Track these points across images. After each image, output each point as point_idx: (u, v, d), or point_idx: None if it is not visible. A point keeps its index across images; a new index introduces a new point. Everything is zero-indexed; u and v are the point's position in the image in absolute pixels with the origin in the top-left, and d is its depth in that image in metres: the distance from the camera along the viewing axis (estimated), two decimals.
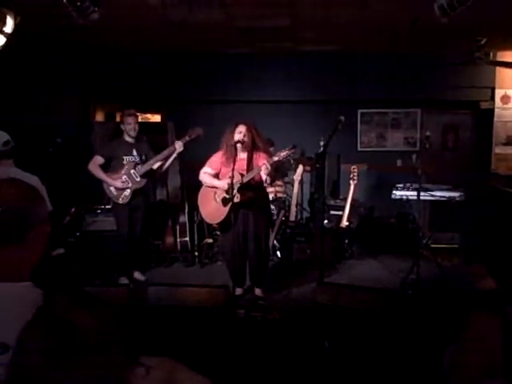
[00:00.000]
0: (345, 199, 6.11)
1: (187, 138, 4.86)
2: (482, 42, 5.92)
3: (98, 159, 4.95)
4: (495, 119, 7.13)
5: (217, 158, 4.55)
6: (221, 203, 4.45)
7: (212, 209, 4.56)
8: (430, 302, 4.12)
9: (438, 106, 7.62)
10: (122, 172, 4.93)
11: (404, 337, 2.80)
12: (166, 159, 4.99)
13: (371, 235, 6.39)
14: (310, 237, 5.82)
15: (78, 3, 3.74)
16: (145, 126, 6.09)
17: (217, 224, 4.84)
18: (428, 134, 5.48)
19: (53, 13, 4.56)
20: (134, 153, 5.00)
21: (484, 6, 4.12)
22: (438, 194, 5.78)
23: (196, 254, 5.95)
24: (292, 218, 5.97)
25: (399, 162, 7.67)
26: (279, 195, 6.21)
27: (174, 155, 4.95)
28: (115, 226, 5.18)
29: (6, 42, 4.01)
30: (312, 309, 3.16)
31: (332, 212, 6.31)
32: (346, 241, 6.01)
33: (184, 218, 6.00)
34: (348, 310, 2.92)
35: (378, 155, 7.75)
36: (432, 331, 2.81)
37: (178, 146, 4.85)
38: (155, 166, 5.02)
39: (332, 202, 6.52)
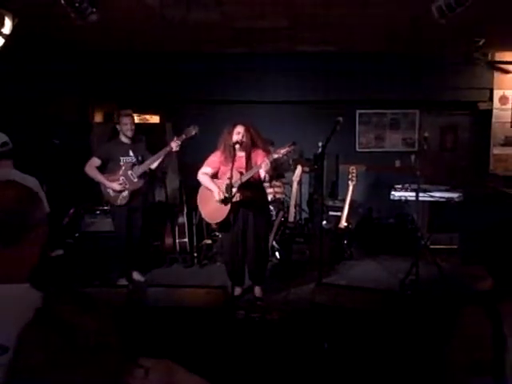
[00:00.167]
0: (343, 200, 6.11)
1: (183, 137, 4.85)
2: (480, 42, 5.95)
3: (95, 161, 4.93)
4: (493, 120, 7.14)
5: (215, 157, 4.54)
6: (221, 203, 4.44)
7: (212, 208, 4.54)
8: (429, 302, 4.12)
9: (437, 106, 7.63)
10: (120, 173, 4.92)
11: (403, 337, 2.80)
12: (163, 159, 4.99)
13: (370, 236, 6.39)
14: (308, 237, 5.82)
15: (77, 4, 3.74)
16: (143, 127, 6.09)
17: (216, 224, 4.83)
18: (426, 134, 5.48)
19: (52, 13, 4.55)
20: (131, 154, 4.99)
21: (482, 7, 4.13)
22: (437, 194, 5.79)
23: (195, 254, 5.94)
24: (291, 218, 5.97)
25: (398, 163, 7.68)
26: (278, 196, 6.20)
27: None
28: (113, 228, 5.19)
29: (4, 43, 4.01)
30: (311, 309, 3.16)
31: (331, 213, 6.30)
32: (345, 241, 6.01)
33: (183, 219, 6.00)
34: (347, 310, 2.92)
35: (376, 156, 7.76)
36: (431, 332, 2.81)
37: (174, 145, 4.84)
38: (153, 166, 5.01)
39: (331, 203, 6.51)
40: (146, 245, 5.59)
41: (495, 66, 6.94)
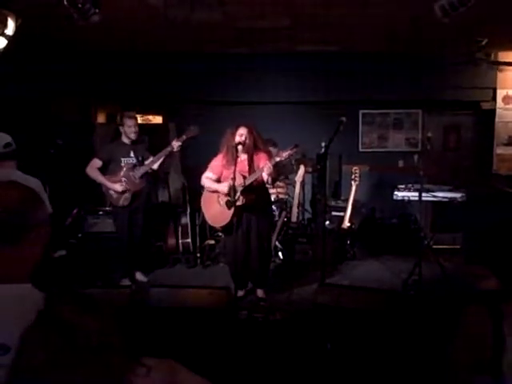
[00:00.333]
0: (346, 200, 6.10)
1: (184, 138, 4.85)
2: (483, 42, 5.92)
3: (96, 162, 4.94)
4: (497, 120, 7.12)
5: (217, 162, 4.53)
6: (225, 206, 4.43)
7: (216, 212, 4.54)
8: (432, 302, 4.11)
9: (440, 106, 7.61)
10: (121, 174, 4.92)
11: (406, 337, 2.80)
12: (164, 160, 4.99)
13: (373, 236, 6.38)
14: (311, 238, 5.82)
15: (80, 5, 3.74)
16: (146, 128, 6.10)
17: (221, 227, 4.83)
18: (429, 134, 5.47)
19: (54, 14, 4.56)
20: (132, 155, 4.99)
21: (485, 7, 4.12)
22: (440, 194, 5.78)
23: (198, 255, 5.95)
24: (294, 219, 5.97)
25: (401, 163, 7.66)
26: (281, 196, 6.20)
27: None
28: (115, 229, 5.19)
29: (7, 45, 4.01)
30: (314, 310, 3.16)
31: (334, 213, 6.30)
32: (348, 242, 6.00)
33: (186, 220, 6.00)
34: (350, 310, 2.92)
35: (379, 156, 7.74)
36: (434, 332, 2.80)
37: (175, 145, 4.84)
38: (155, 167, 5.02)
39: (333, 203, 6.51)
40: (148, 245, 5.60)
41: (498, 66, 6.92)
